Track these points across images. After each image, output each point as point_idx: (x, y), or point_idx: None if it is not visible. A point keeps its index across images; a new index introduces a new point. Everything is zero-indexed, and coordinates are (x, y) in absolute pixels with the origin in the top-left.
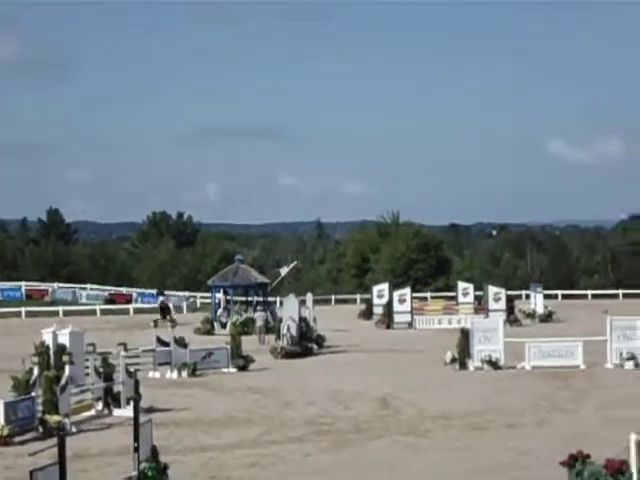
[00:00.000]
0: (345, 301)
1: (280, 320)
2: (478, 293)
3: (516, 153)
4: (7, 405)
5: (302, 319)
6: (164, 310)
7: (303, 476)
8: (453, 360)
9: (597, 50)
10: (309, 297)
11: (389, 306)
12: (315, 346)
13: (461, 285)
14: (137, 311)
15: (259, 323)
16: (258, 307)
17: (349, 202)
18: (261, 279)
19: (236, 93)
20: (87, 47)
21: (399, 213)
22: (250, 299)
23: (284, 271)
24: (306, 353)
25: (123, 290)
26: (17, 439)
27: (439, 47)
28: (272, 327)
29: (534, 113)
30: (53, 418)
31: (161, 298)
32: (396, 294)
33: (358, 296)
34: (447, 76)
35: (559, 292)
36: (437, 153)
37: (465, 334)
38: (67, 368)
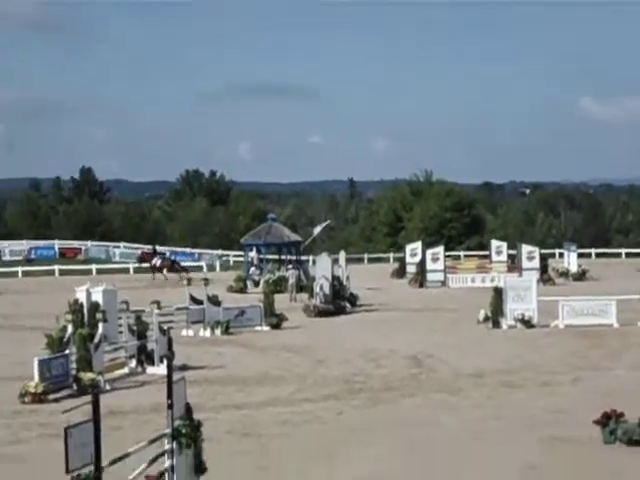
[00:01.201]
0: (378, 260)
1: (313, 278)
2: (511, 252)
3: (550, 111)
4: (41, 363)
5: (335, 277)
6: (172, 267)
7: (336, 434)
8: (486, 319)
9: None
10: (342, 256)
11: (422, 265)
12: (348, 305)
13: (494, 244)
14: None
15: (291, 281)
16: (290, 265)
17: (381, 160)
18: (294, 237)
19: (268, 51)
20: (115, 5)
21: (432, 171)
22: (283, 257)
23: (317, 230)
24: (339, 311)
25: (156, 248)
26: (51, 396)
27: (469, 9)
28: (305, 285)
29: (567, 70)
30: (87, 375)
31: (155, 259)
32: (429, 253)
33: (391, 255)
34: (480, 35)
35: (593, 251)
36: (470, 111)
37: (498, 293)
38: (101, 326)
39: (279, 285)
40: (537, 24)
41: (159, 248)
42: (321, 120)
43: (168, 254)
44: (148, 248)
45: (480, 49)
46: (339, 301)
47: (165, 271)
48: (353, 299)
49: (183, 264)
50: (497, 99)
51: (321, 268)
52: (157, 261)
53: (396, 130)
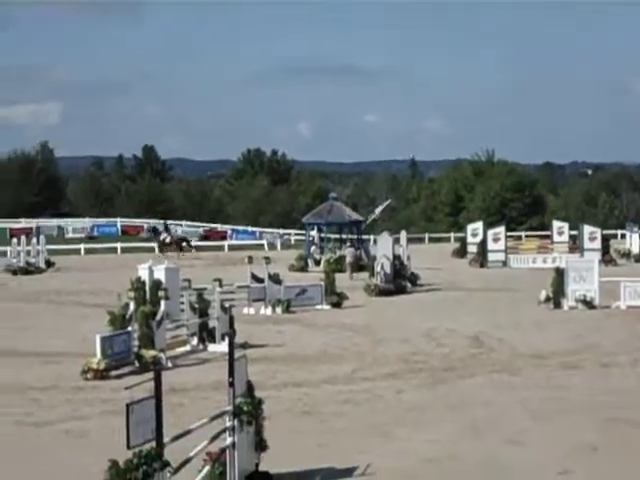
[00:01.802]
0: (439, 239)
1: (374, 258)
2: (573, 232)
3: (612, 91)
4: (104, 339)
5: (396, 257)
6: (180, 243)
7: (396, 413)
8: (547, 299)
9: None
10: (403, 235)
11: (483, 245)
12: (409, 284)
13: (556, 224)
14: (232, 247)
15: (349, 259)
16: (348, 243)
17: (443, 140)
18: (355, 217)
19: (330, 31)
20: None
21: (494, 151)
22: (344, 237)
23: (378, 210)
24: (400, 291)
25: (218, 227)
26: (113, 373)
27: None
28: (365, 265)
29: (631, 49)
30: (149, 353)
31: (164, 234)
32: (490, 233)
33: (452, 234)
34: (543, 15)
35: None
36: (532, 91)
37: (560, 273)
38: (163, 303)
39: (340, 264)
40: (600, 7)
41: (170, 223)
42: (382, 99)
43: (179, 230)
44: (159, 223)
45: (542, 29)
46: (400, 280)
47: (174, 248)
48: (414, 278)
49: (246, 242)
50: (560, 80)
51: (382, 247)
52: (166, 237)
53: (458, 109)
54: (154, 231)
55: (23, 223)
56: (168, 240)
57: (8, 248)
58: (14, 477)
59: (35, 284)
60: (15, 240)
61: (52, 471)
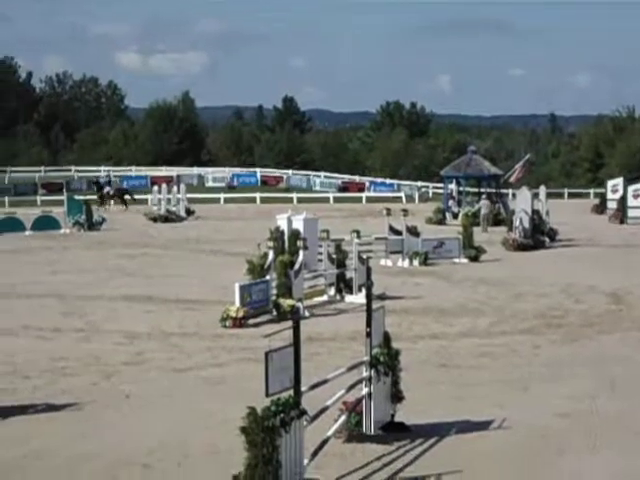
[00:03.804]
0: (578, 195)
1: (512, 212)
2: None
3: None
4: (242, 288)
5: (535, 212)
6: (123, 196)
7: (533, 368)
8: None
9: None
10: (542, 190)
11: (623, 201)
12: (547, 239)
13: None
14: (370, 199)
15: (483, 212)
16: (483, 196)
17: (584, 95)
18: (494, 170)
19: None
20: None
21: (634, 107)
22: (482, 190)
23: (518, 165)
24: (538, 246)
25: (356, 178)
26: (251, 321)
27: None
28: (504, 219)
29: None
30: (287, 302)
31: (107, 187)
32: (630, 189)
33: (591, 190)
34: None
35: None
36: None
37: None
38: (301, 253)
39: (478, 218)
40: None
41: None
42: (523, 54)
43: (122, 183)
44: (99, 176)
45: None
46: (538, 235)
47: (116, 200)
48: (552, 234)
49: (383, 195)
50: None
51: (521, 202)
52: (109, 190)
53: (599, 64)
54: (97, 184)
55: (164, 172)
56: (111, 193)
57: (149, 196)
58: (156, 422)
59: (175, 232)
60: (156, 188)
61: (191, 416)
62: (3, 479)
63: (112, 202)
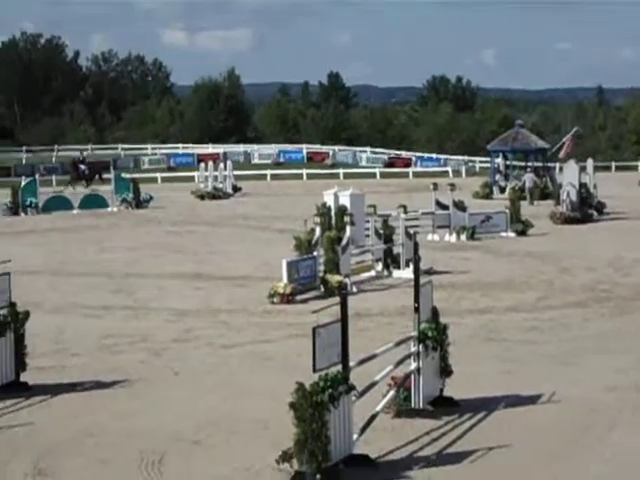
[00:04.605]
0: (626, 168)
1: (560, 186)
2: None
3: None
4: (290, 264)
5: (582, 185)
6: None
7: (582, 341)
8: None
9: None
10: (589, 163)
11: None
12: (595, 212)
13: None
14: (416, 174)
15: (528, 185)
16: (528, 169)
17: (631, 68)
18: (541, 144)
19: None
20: None
21: None
22: (529, 164)
23: (566, 138)
24: (585, 219)
25: (402, 153)
26: (299, 297)
27: None
28: (551, 192)
29: None
30: (334, 278)
31: (83, 166)
32: None
33: (639, 163)
34: None
35: None
36: None
37: None
38: (348, 229)
39: (524, 191)
40: None
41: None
42: (569, 26)
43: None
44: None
45: None
46: (586, 209)
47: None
48: (600, 207)
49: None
50: None
51: (568, 175)
52: (85, 169)
53: None
54: (75, 165)
55: (210, 149)
56: (87, 172)
57: (196, 173)
58: (204, 398)
59: (222, 209)
60: (203, 165)
61: (240, 392)
62: (56, 456)
63: (85, 183)
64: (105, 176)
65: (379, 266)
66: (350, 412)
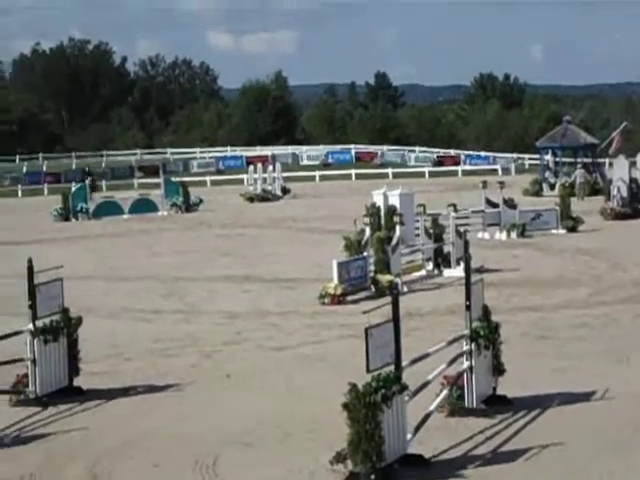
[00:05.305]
0: None
1: (610, 181)
2: None
3: None
4: (340, 265)
5: (633, 180)
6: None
7: (634, 337)
8: None
9: None
10: (639, 158)
11: None
12: None
13: None
14: (465, 173)
15: (578, 180)
16: (578, 165)
17: None
18: (590, 140)
19: None
20: None
21: None
22: (579, 160)
23: (615, 133)
24: (636, 214)
25: (451, 152)
26: (350, 298)
27: None
28: (601, 188)
29: None
30: (385, 277)
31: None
32: None
33: None
34: None
35: None
36: None
37: None
38: (398, 229)
39: (574, 188)
40: None
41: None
42: (619, 20)
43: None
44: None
45: None
46: (636, 204)
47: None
48: None
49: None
50: None
51: (618, 171)
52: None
53: None
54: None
55: (258, 151)
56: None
57: (244, 176)
58: (256, 400)
59: (271, 211)
60: (251, 168)
61: (292, 393)
62: (111, 460)
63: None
64: (155, 180)
65: (430, 265)
66: (404, 412)
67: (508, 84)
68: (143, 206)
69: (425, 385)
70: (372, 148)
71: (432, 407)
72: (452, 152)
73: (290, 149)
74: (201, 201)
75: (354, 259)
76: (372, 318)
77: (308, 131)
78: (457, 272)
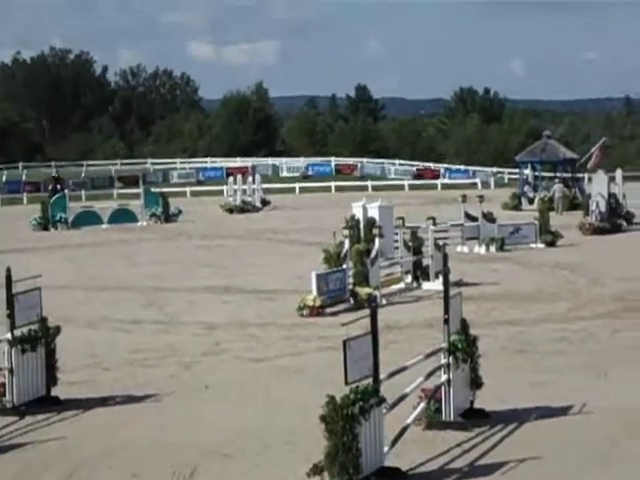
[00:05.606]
0: None
1: (588, 196)
2: None
3: None
4: (319, 277)
5: (611, 195)
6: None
7: (612, 352)
8: None
9: None
10: (618, 173)
11: None
12: (624, 223)
13: None
14: (445, 186)
15: (557, 195)
16: (556, 180)
17: None
18: (570, 155)
19: None
20: None
21: None
22: (558, 175)
23: (594, 149)
24: (615, 229)
25: (431, 165)
26: (328, 310)
27: None
28: (580, 203)
29: None
30: (364, 290)
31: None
32: None
33: None
34: None
35: None
36: None
37: None
38: (377, 241)
39: (553, 202)
40: None
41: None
42: (596, 36)
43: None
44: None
45: None
46: (615, 219)
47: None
48: (630, 217)
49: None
50: None
51: (597, 186)
52: (56, 186)
53: None
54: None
55: (239, 162)
56: (59, 189)
57: (224, 187)
58: (235, 412)
59: (251, 222)
60: (231, 179)
61: (270, 405)
62: (88, 470)
63: None
64: (134, 191)
65: (408, 278)
66: (381, 425)
67: (488, 98)
68: (122, 216)
69: (403, 398)
70: (352, 160)
71: (409, 420)
72: (432, 165)
73: (270, 160)
74: (180, 212)
75: (333, 271)
76: (351, 330)
77: (288, 143)
78: (436, 285)
